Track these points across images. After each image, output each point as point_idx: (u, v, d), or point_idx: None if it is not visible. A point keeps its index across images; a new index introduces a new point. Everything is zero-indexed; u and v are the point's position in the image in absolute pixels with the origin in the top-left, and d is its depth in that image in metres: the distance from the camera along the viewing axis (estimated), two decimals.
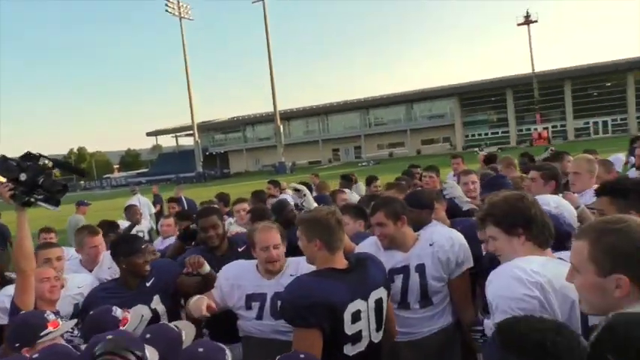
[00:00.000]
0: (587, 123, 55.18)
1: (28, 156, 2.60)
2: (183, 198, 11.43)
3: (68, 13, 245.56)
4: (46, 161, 2.58)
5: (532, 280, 1.79)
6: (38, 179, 2.50)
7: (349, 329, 2.21)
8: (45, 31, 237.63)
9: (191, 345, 2.00)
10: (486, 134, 60.24)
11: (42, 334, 2.20)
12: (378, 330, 2.38)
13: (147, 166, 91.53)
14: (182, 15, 59.10)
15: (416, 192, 3.97)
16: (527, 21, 55.41)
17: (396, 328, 2.72)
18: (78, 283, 3.57)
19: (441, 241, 2.97)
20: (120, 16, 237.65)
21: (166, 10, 57.79)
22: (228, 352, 1.93)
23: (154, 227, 11.63)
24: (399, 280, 2.96)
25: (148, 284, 3.13)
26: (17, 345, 2.15)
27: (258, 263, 2.97)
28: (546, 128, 54.14)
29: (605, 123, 54.54)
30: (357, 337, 2.26)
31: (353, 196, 6.63)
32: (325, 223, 2.32)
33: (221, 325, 3.15)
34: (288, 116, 69.22)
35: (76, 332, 2.97)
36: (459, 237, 3.05)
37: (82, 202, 10.62)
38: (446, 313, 3.08)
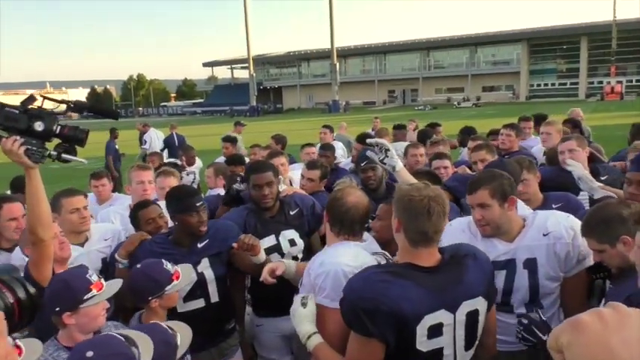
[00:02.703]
0: None
1: (32, 100, 2.05)
2: (174, 134, 11.57)
3: None
4: (58, 104, 2.07)
5: None
6: (54, 128, 2.02)
7: (424, 345, 1.76)
8: None
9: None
10: (553, 84, 56.96)
11: (86, 297, 1.95)
12: (468, 348, 1.88)
13: (202, 97, 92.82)
14: None
15: (498, 162, 3.29)
16: None
17: (495, 344, 2.19)
18: (104, 234, 3.19)
19: (559, 231, 2.35)
20: None
21: None
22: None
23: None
24: (501, 276, 2.39)
25: (199, 245, 2.83)
26: (57, 309, 1.92)
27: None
28: (620, 82, 50.46)
29: None
30: (434, 356, 1.80)
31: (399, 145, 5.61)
32: (410, 207, 1.80)
33: (266, 294, 2.94)
34: (345, 54, 67.41)
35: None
36: (579, 225, 2.37)
37: (239, 122, 11.13)
38: (555, 320, 2.44)
